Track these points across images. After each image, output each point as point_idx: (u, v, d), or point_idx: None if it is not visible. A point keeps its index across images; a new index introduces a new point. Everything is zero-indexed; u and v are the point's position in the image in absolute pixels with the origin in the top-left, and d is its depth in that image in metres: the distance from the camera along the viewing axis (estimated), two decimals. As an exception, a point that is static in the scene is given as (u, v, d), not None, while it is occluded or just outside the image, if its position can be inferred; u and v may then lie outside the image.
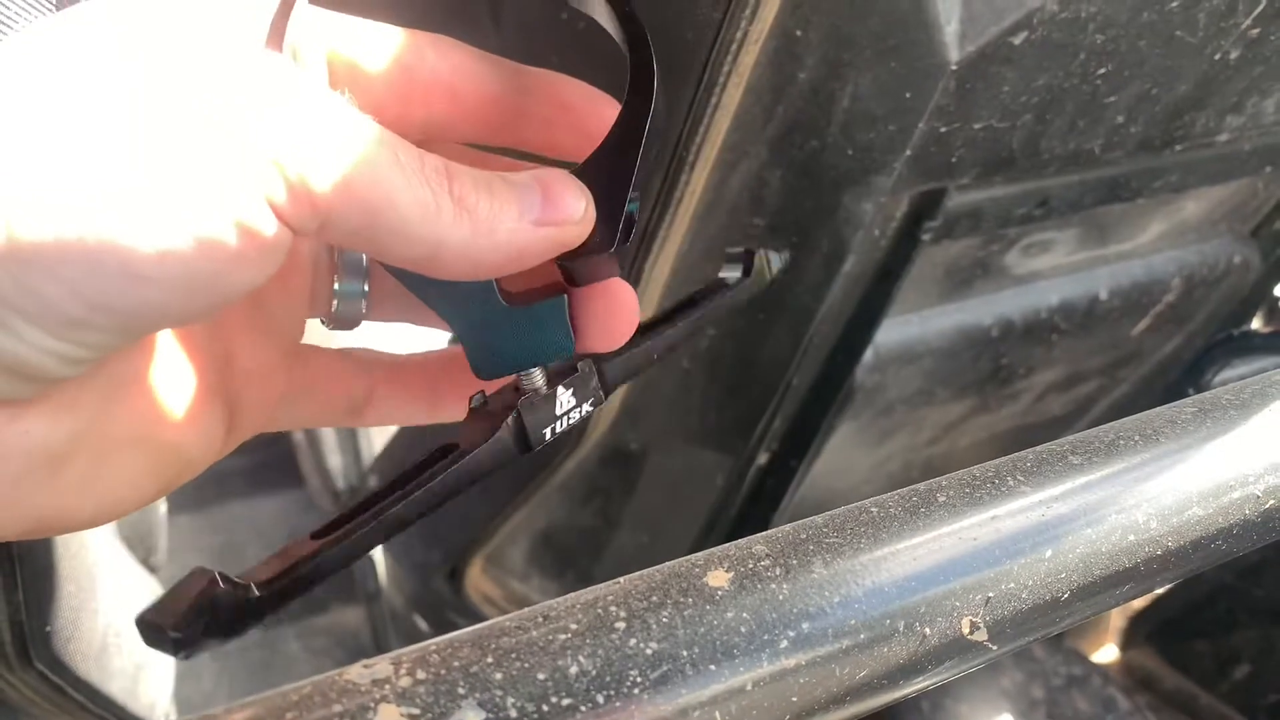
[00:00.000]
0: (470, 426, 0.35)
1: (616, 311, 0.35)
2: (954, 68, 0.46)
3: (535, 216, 0.30)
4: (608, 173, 0.33)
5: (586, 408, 0.36)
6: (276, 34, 0.28)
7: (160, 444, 0.31)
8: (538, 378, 0.35)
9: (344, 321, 0.39)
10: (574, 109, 0.36)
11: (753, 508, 0.80)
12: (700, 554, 0.26)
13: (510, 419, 0.34)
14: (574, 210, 0.31)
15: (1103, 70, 0.51)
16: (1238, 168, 0.70)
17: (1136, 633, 1.33)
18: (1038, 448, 0.32)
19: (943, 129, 0.50)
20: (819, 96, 0.49)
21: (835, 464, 0.81)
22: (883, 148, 0.50)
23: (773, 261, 0.44)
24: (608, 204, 0.32)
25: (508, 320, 0.34)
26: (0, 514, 0.28)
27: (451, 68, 0.34)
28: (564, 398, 0.35)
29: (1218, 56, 0.55)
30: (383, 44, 0.32)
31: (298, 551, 0.32)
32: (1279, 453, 0.33)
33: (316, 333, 0.39)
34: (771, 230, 0.57)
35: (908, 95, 0.48)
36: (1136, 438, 0.32)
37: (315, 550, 0.31)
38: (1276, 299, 1.18)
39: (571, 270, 0.33)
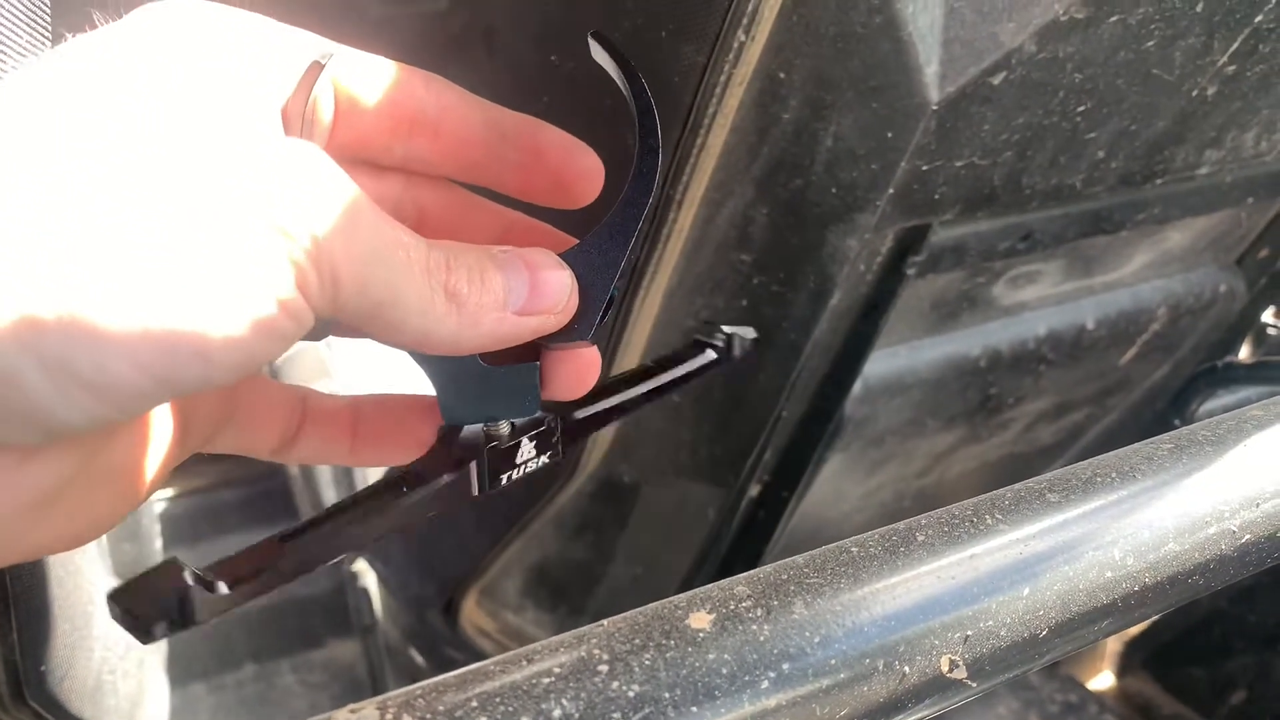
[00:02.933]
0: (435, 459, 0.36)
1: (581, 370, 0.37)
2: (935, 108, 0.47)
3: (520, 306, 0.31)
4: (597, 261, 0.34)
5: (544, 459, 0.38)
6: (300, 99, 0.30)
7: (131, 469, 0.32)
8: (504, 428, 0.37)
9: (311, 333, 0.40)
10: (549, 157, 0.37)
11: (745, 540, 0.80)
12: (683, 595, 0.27)
13: (475, 463, 0.36)
14: (557, 301, 0.32)
15: (1082, 108, 0.52)
16: (1220, 199, 0.71)
17: (1132, 659, 1.33)
18: (1016, 485, 0.32)
19: (925, 167, 0.51)
20: (802, 136, 0.50)
21: (826, 495, 0.82)
22: (866, 186, 0.51)
23: (737, 343, 0.45)
24: (591, 293, 0.34)
25: (481, 376, 0.35)
26: None
27: (439, 106, 0.35)
28: (526, 449, 0.37)
29: (1195, 93, 0.56)
30: (377, 77, 0.33)
31: (266, 551, 0.32)
32: (1255, 488, 0.33)
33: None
34: (758, 267, 0.57)
35: (889, 135, 0.49)
36: (1114, 475, 0.32)
37: (281, 552, 0.32)
38: (1264, 325, 1.19)
39: (547, 343, 0.35)
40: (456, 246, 0.31)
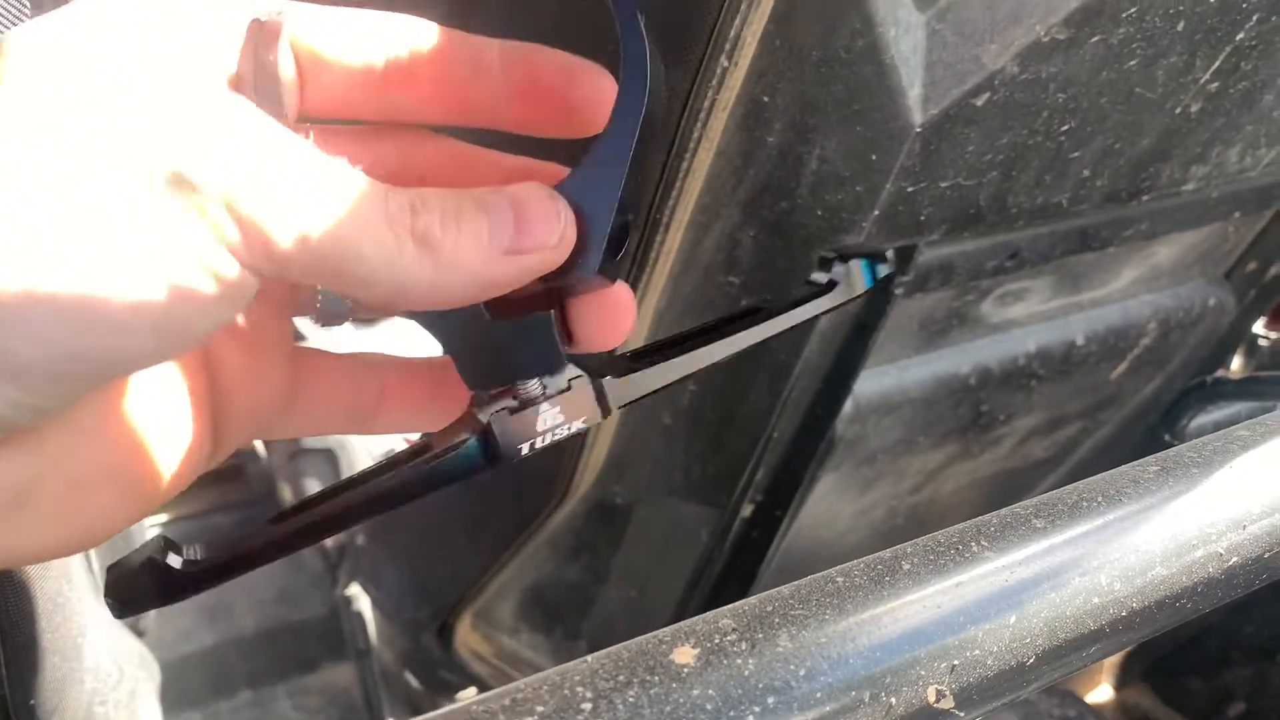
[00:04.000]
0: (448, 431, 0.34)
1: (611, 313, 0.34)
2: (918, 130, 0.47)
3: (506, 244, 0.29)
4: (594, 185, 0.31)
5: (578, 425, 0.34)
6: (246, 62, 0.29)
7: (135, 469, 0.30)
8: (534, 387, 0.34)
9: (331, 317, 0.37)
10: (548, 82, 0.33)
11: (739, 559, 0.80)
12: (668, 629, 0.26)
13: (479, 431, 0.33)
14: (547, 235, 0.29)
15: (1066, 127, 0.53)
16: (1207, 214, 0.72)
17: (1131, 671, 1.33)
18: (1003, 511, 0.32)
19: (910, 188, 0.51)
20: (787, 160, 0.50)
21: (820, 513, 0.81)
22: (851, 208, 0.51)
23: (857, 273, 0.40)
24: (591, 223, 0.31)
25: (493, 333, 0.32)
26: None
27: (410, 47, 0.32)
28: (548, 414, 0.34)
29: (1179, 110, 0.56)
30: (338, 27, 0.31)
31: (253, 533, 0.32)
32: (1241, 510, 0.33)
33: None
34: (746, 289, 0.57)
35: (874, 157, 0.49)
36: (1100, 499, 0.32)
37: (267, 532, 0.32)
38: (1255, 336, 1.19)
39: (559, 287, 0.32)
40: (428, 190, 0.28)
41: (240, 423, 0.34)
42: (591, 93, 0.33)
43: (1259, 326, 1.20)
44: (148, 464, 0.31)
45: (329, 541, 1.15)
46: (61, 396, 0.25)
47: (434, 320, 0.33)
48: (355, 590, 1.06)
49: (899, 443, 0.77)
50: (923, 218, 0.53)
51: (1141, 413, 0.96)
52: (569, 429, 0.34)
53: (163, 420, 0.31)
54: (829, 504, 0.81)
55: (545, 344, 0.33)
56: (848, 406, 0.68)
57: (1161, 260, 0.80)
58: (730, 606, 0.28)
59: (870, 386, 0.69)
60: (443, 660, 0.96)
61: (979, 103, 0.48)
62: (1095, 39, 0.48)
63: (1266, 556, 0.33)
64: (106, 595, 0.31)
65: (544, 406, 0.34)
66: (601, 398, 0.35)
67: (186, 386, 0.32)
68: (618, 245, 0.32)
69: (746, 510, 0.76)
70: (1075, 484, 0.34)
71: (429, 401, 0.37)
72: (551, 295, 0.33)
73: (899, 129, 0.48)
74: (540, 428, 0.34)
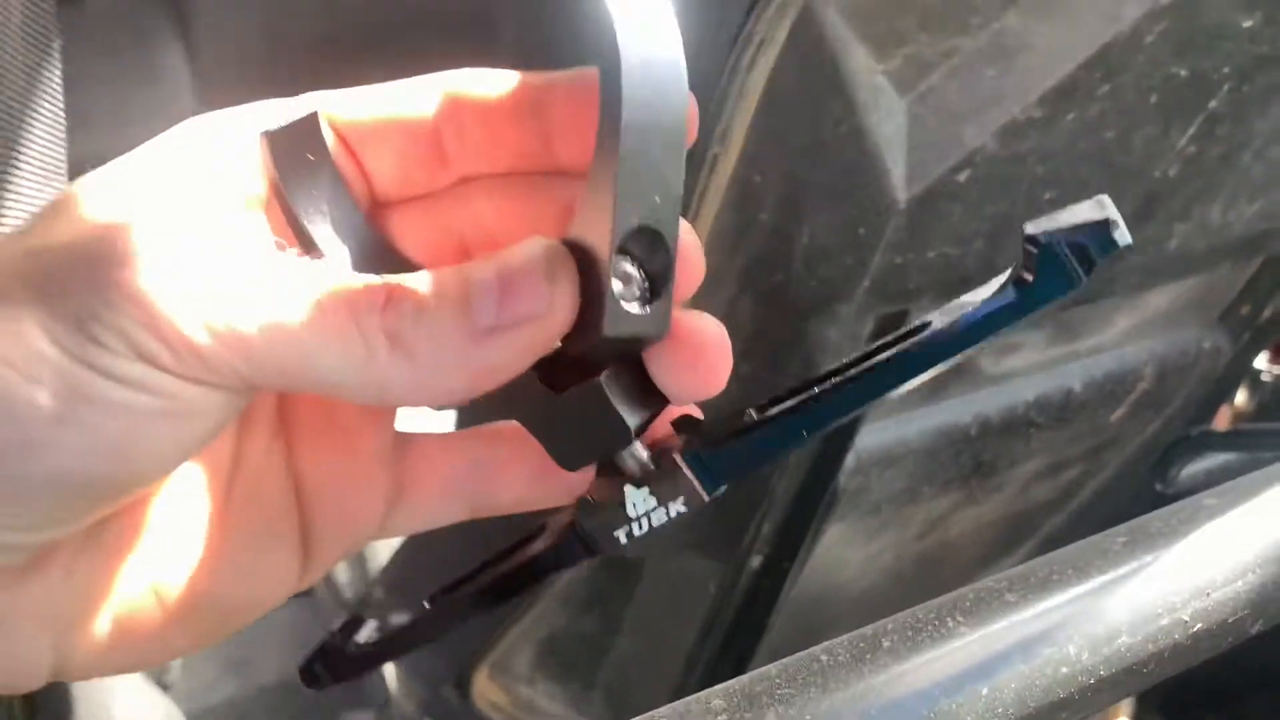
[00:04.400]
0: (561, 514, 0.31)
1: (688, 355, 0.28)
2: (903, 207, 0.50)
3: (490, 321, 0.25)
4: (588, 228, 0.26)
5: (677, 508, 0.29)
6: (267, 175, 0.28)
7: (194, 595, 0.29)
8: (640, 453, 0.29)
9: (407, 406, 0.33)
10: (565, 115, 0.29)
11: (749, 609, 0.82)
12: (661, 710, 0.29)
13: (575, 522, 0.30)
14: (535, 302, 0.26)
15: (1048, 196, 0.55)
16: (1194, 266, 0.74)
17: (1149, 704, 1.34)
18: (977, 584, 0.34)
19: (898, 260, 0.53)
20: (779, 235, 0.53)
21: (828, 562, 0.83)
22: (843, 279, 0.54)
23: (1081, 250, 0.25)
24: (589, 274, 0.26)
25: (558, 408, 0.28)
26: (18, 671, 0.28)
27: (447, 98, 0.29)
28: (637, 498, 0.29)
29: (1158, 175, 0.59)
30: (373, 97, 0.29)
31: (413, 615, 0.32)
32: (1205, 577, 0.35)
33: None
34: (745, 355, 0.60)
35: (861, 232, 0.51)
36: (1070, 571, 0.34)
37: (425, 612, 0.32)
38: (1258, 372, 1.20)
39: (590, 357, 0.28)
40: (407, 279, 0.26)
41: (335, 533, 0.32)
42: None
43: (1261, 362, 1.22)
44: (210, 588, 0.30)
45: (349, 593, 1.17)
46: (38, 519, 0.25)
47: (500, 398, 0.28)
48: (369, 633, 1.08)
49: (902, 493, 0.79)
50: (912, 285, 0.56)
51: (1144, 453, 0.97)
52: (667, 514, 0.30)
53: (224, 542, 0.30)
54: (836, 553, 0.82)
55: (606, 418, 0.28)
56: (850, 460, 0.70)
57: (1155, 307, 0.82)
58: (721, 686, 0.30)
59: (872, 439, 0.71)
60: (461, 711, 0.98)
61: (961, 179, 0.50)
62: (1070, 115, 0.51)
63: (1231, 621, 0.35)
64: (300, 670, 0.33)
65: (630, 491, 0.29)
66: (705, 472, 0.29)
67: (256, 502, 0.31)
68: (658, 284, 0.26)
69: (754, 562, 0.78)
70: (1048, 556, 0.35)
71: (542, 475, 0.32)
72: (606, 352, 0.28)
73: (885, 206, 0.50)
74: (632, 513, 0.30)
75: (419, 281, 0.26)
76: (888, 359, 0.28)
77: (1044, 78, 0.48)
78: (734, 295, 0.57)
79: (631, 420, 0.28)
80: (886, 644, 0.31)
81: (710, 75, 0.45)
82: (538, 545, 0.31)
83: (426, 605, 0.33)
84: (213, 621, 0.30)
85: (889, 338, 0.29)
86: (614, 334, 0.26)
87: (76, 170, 0.41)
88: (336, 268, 0.27)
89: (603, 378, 0.28)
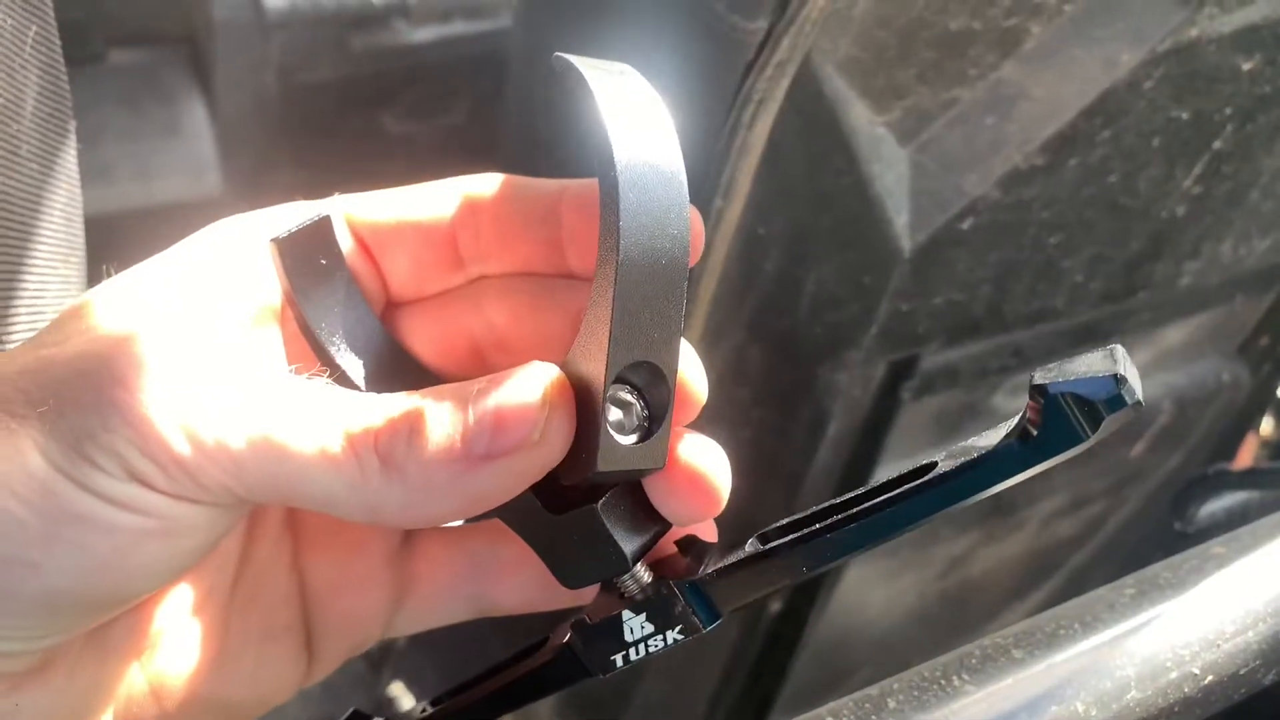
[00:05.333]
0: (561, 631, 0.31)
1: (684, 482, 0.28)
2: (907, 255, 0.50)
3: (483, 450, 0.25)
4: (586, 358, 0.26)
5: (674, 635, 0.29)
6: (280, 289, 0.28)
7: (195, 697, 0.29)
8: (642, 576, 0.29)
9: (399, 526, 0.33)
10: (574, 222, 0.29)
11: (771, 653, 0.82)
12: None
13: (572, 641, 0.30)
14: (526, 429, 0.25)
15: (1053, 240, 0.55)
16: (1208, 301, 0.73)
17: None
18: (984, 640, 0.34)
19: (905, 307, 0.53)
20: (786, 283, 0.53)
21: (849, 604, 0.83)
22: (850, 325, 0.54)
23: (1088, 405, 0.24)
24: (587, 403, 0.26)
25: (559, 529, 0.28)
26: None
27: (465, 201, 0.30)
28: (633, 624, 0.29)
29: (1165, 215, 0.59)
30: (390, 199, 0.30)
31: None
32: (1214, 628, 0.35)
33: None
34: (757, 401, 0.60)
35: (867, 280, 0.52)
36: (1076, 625, 0.34)
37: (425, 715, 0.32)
38: (1281, 401, 1.19)
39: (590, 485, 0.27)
40: (403, 399, 0.26)
41: (340, 634, 0.32)
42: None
43: (1286, 389, 1.21)
44: (210, 689, 0.30)
45: (360, 664, 1.17)
46: (33, 631, 0.25)
47: (504, 516, 0.29)
48: (398, 689, 1.08)
49: (921, 534, 0.78)
50: (920, 330, 0.56)
51: (1167, 486, 0.96)
52: (663, 642, 0.29)
53: (230, 641, 0.30)
54: (857, 596, 0.82)
55: (602, 543, 0.28)
56: (866, 503, 0.70)
57: (1172, 341, 0.82)
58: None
59: (887, 482, 0.71)
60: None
61: (964, 227, 0.51)
62: (1073, 161, 0.51)
63: (1243, 672, 0.35)
64: None
65: (626, 616, 0.29)
66: (702, 602, 0.29)
67: (264, 603, 0.31)
68: (656, 415, 0.26)
69: (774, 608, 0.77)
70: (1054, 610, 0.35)
71: (548, 580, 0.31)
72: (609, 480, 0.27)
73: (889, 254, 0.50)
74: (628, 638, 0.29)
75: (415, 404, 0.26)
76: (892, 500, 0.27)
77: (1044, 125, 0.49)
78: (743, 342, 0.58)
79: (628, 546, 0.28)
80: (893, 704, 0.31)
81: (710, 133, 0.46)
82: (534, 661, 0.31)
83: (429, 709, 0.33)
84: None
85: (894, 477, 0.28)
86: (608, 469, 0.26)
87: (98, 225, 0.42)
88: (333, 388, 0.27)
89: (600, 504, 0.27)
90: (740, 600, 0.29)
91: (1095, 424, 0.24)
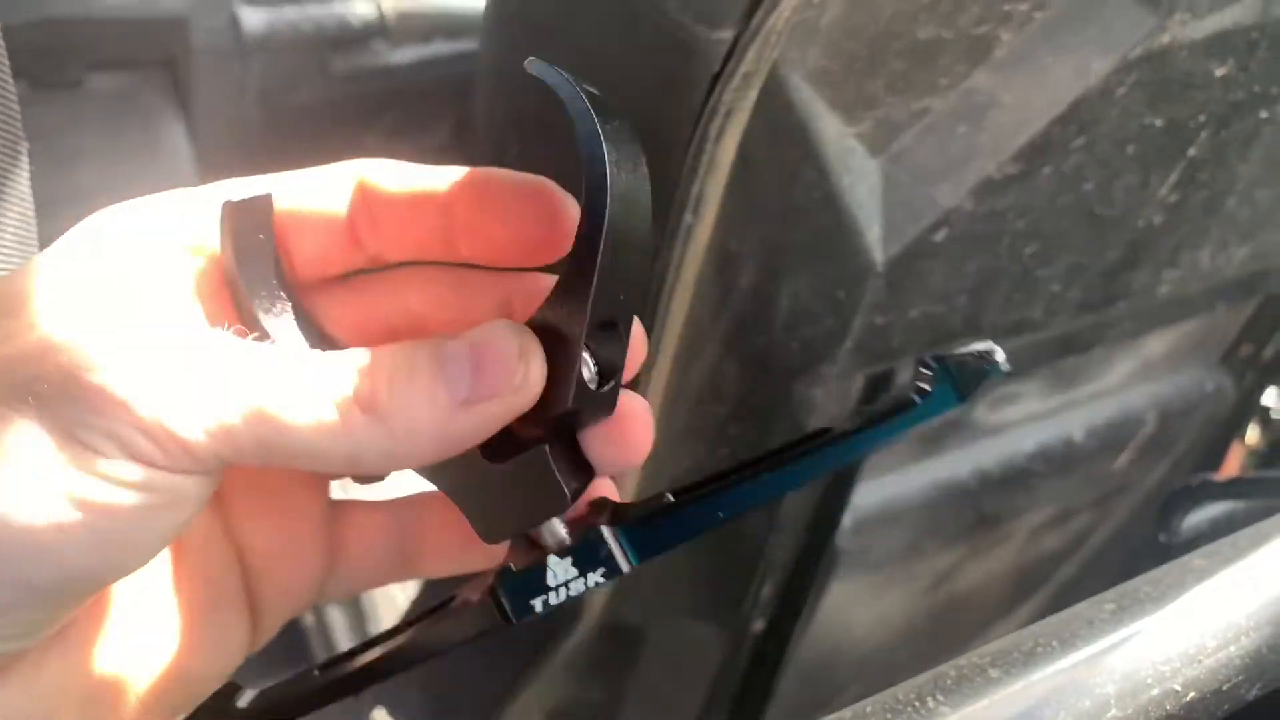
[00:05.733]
0: (477, 583, 0.32)
1: (618, 426, 0.31)
2: (880, 269, 0.49)
3: (465, 394, 0.27)
4: (562, 314, 0.28)
5: (595, 578, 0.31)
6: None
7: (161, 675, 0.30)
8: (558, 529, 0.31)
9: (369, 475, 0.34)
10: (497, 208, 0.30)
11: (756, 673, 0.81)
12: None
13: (493, 589, 0.31)
14: (508, 378, 0.27)
15: (1029, 250, 0.54)
16: (1188, 309, 0.73)
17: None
18: (960, 660, 0.33)
19: (880, 320, 0.53)
20: (759, 299, 0.53)
21: (834, 622, 0.82)
22: (825, 340, 0.53)
23: (963, 370, 0.30)
24: (564, 354, 0.28)
25: (492, 477, 0.30)
26: None
27: (360, 189, 0.31)
28: (557, 568, 0.31)
29: (1141, 224, 0.58)
30: (288, 185, 0.31)
31: (304, 680, 0.33)
32: (1196, 643, 0.34)
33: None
34: (734, 418, 0.59)
35: (841, 294, 0.51)
36: (1055, 643, 0.33)
37: (315, 679, 0.33)
38: (1267, 410, 1.19)
39: (554, 420, 0.29)
40: (377, 351, 0.27)
41: (279, 600, 0.33)
42: (542, 216, 0.30)
43: (1271, 399, 1.20)
44: (174, 664, 0.30)
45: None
46: (34, 623, 0.26)
47: (429, 469, 0.31)
48: (380, 715, 1.07)
49: (905, 549, 0.78)
50: (896, 344, 0.55)
51: (1152, 498, 0.96)
52: (585, 584, 0.31)
53: (182, 623, 0.31)
54: (842, 613, 0.81)
55: (545, 485, 0.30)
56: (847, 519, 0.70)
57: (1154, 351, 0.81)
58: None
59: (869, 498, 0.71)
60: (470, 783, 0.97)
61: (939, 238, 0.50)
62: (1047, 169, 0.51)
63: (1225, 688, 0.34)
64: None
65: (552, 561, 0.31)
66: (630, 545, 0.31)
67: (208, 582, 0.32)
68: (609, 370, 0.29)
69: (757, 625, 0.76)
70: (1033, 627, 0.35)
71: (470, 542, 0.33)
72: (550, 427, 0.30)
73: (862, 268, 0.50)
74: (551, 582, 0.31)
75: (394, 355, 0.27)
76: (796, 456, 0.31)
77: (1017, 134, 0.48)
78: (719, 359, 0.57)
79: (569, 486, 0.30)
80: (865, 729, 0.30)
81: (678, 147, 0.45)
82: (444, 615, 0.32)
83: (316, 673, 0.33)
84: (183, 696, 0.31)
85: (798, 438, 0.32)
86: (578, 406, 0.28)
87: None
88: (303, 346, 0.29)
89: (545, 448, 0.30)
90: (661, 545, 0.31)
91: (972, 388, 0.30)
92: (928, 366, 0.30)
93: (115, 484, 0.25)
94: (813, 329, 0.53)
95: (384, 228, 0.31)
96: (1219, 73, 0.52)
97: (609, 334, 0.29)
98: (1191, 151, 0.55)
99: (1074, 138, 0.50)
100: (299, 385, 0.26)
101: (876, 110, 0.48)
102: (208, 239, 0.30)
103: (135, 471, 0.25)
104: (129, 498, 0.25)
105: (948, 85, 0.48)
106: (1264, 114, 0.57)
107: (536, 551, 0.31)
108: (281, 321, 0.30)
